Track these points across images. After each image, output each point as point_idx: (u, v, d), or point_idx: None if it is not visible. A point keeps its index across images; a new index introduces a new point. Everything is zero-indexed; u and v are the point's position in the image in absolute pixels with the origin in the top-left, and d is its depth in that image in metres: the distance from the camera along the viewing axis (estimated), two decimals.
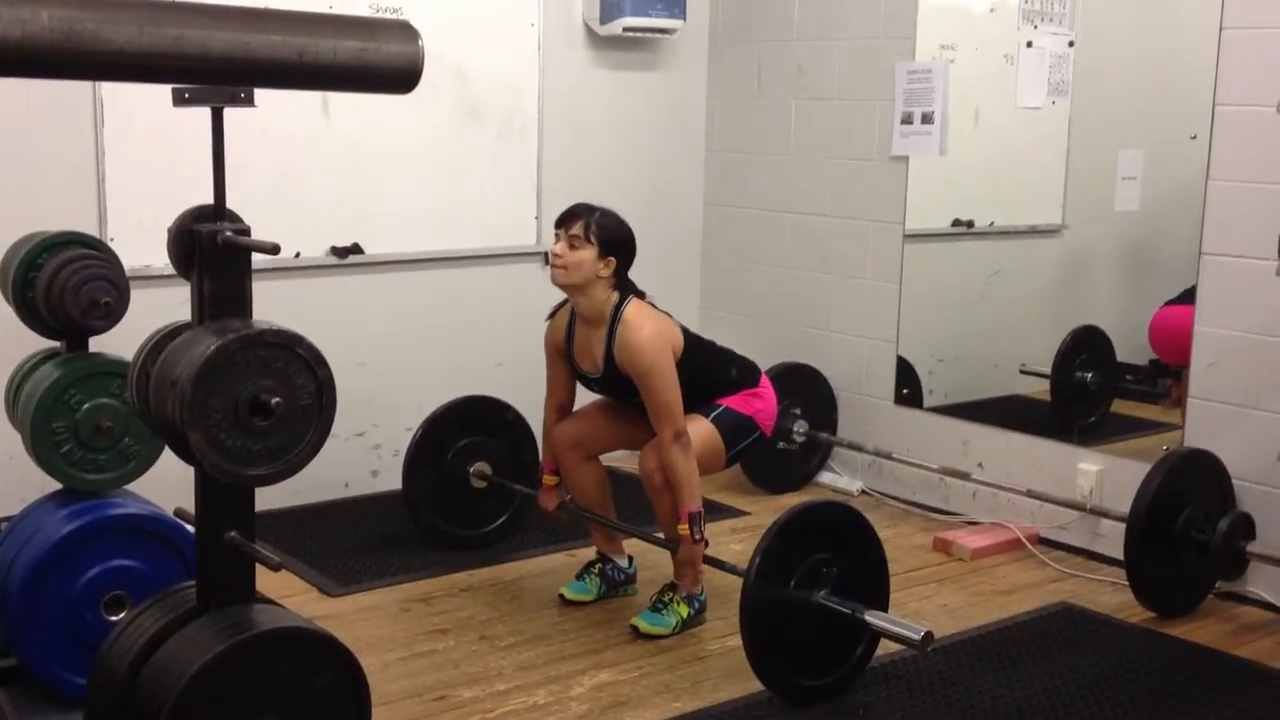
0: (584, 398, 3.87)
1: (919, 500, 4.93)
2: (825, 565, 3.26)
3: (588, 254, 3.55)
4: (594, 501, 3.87)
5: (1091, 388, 4.89)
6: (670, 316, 3.68)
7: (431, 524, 4.24)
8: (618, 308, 3.58)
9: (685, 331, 3.69)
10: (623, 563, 3.95)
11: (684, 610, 3.67)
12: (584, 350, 3.70)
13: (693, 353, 3.66)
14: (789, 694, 3.23)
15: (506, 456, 4.31)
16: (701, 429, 3.63)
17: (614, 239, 3.59)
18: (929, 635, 3.17)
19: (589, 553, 4.02)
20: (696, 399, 3.65)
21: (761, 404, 3.78)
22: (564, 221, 3.61)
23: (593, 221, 3.56)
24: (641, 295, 3.65)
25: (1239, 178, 3.93)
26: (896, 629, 3.22)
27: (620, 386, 3.64)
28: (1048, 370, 4.91)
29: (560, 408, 3.84)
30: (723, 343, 3.91)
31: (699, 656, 3.54)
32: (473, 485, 4.26)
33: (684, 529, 3.54)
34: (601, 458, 3.90)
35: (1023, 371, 5.06)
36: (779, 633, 3.21)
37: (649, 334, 3.54)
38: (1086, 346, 4.92)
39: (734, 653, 3.55)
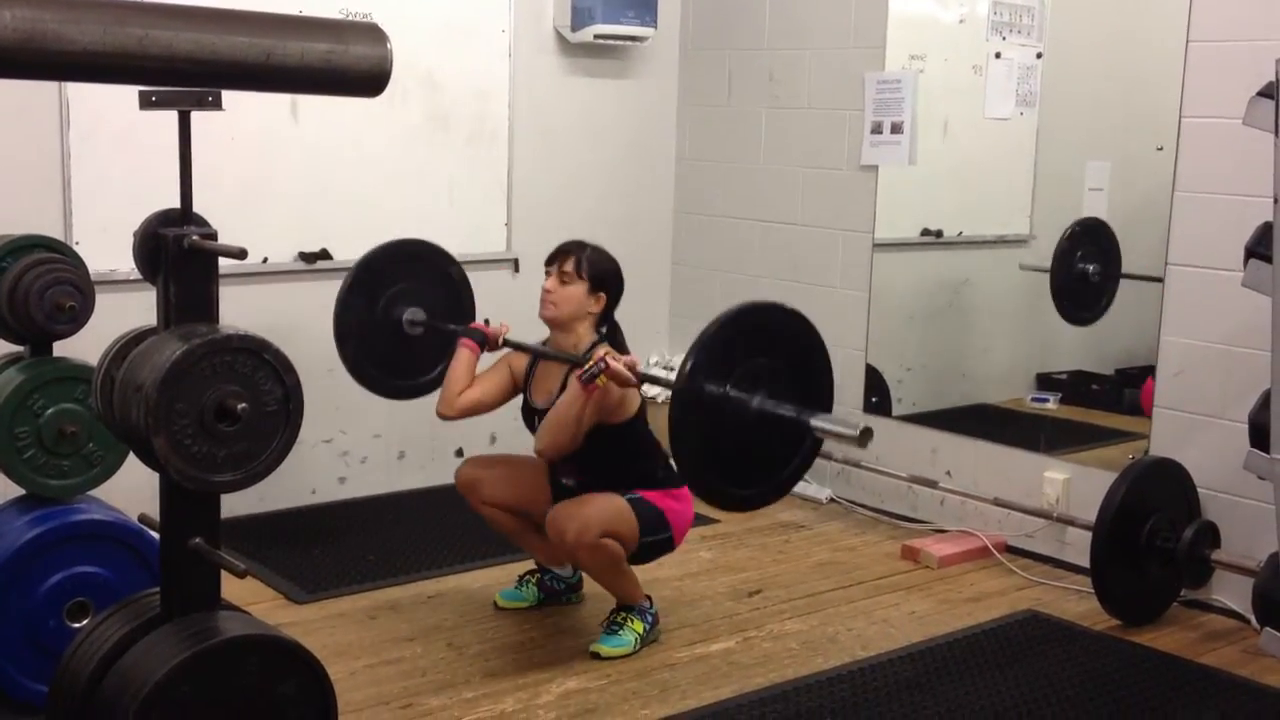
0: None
1: (887, 508, 4.94)
2: (766, 370, 3.06)
3: (578, 290, 3.58)
4: (520, 532, 3.81)
5: (1093, 279, 4.78)
6: None
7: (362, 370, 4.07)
8: (592, 346, 3.56)
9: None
10: (564, 572, 3.92)
11: (639, 626, 3.63)
12: (541, 382, 3.68)
13: (639, 423, 3.63)
14: (723, 503, 3.15)
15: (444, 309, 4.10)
16: (616, 503, 3.49)
17: (605, 275, 3.62)
18: (867, 430, 3.01)
19: None
20: (617, 479, 3.56)
21: (679, 506, 3.59)
22: (555, 258, 3.63)
23: (584, 258, 3.59)
24: (617, 344, 3.64)
25: (1205, 189, 3.96)
26: (837, 428, 3.04)
27: None
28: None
29: (473, 395, 3.71)
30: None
31: (667, 664, 3.53)
32: (407, 333, 4.04)
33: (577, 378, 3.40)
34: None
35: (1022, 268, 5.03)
36: (714, 437, 3.02)
37: None
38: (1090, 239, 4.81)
39: (702, 660, 3.56)
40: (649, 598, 3.70)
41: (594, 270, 3.60)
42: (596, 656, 3.56)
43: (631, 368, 3.41)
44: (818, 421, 3.03)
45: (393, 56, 2.41)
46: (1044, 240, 5.10)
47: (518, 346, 3.77)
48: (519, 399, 3.78)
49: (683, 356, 2.99)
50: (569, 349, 3.61)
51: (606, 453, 3.56)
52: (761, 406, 3.01)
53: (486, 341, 3.78)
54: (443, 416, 3.76)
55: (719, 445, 3.03)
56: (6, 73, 2.07)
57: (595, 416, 3.46)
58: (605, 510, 3.47)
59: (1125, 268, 4.71)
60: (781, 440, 3.08)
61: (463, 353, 3.76)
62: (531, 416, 3.70)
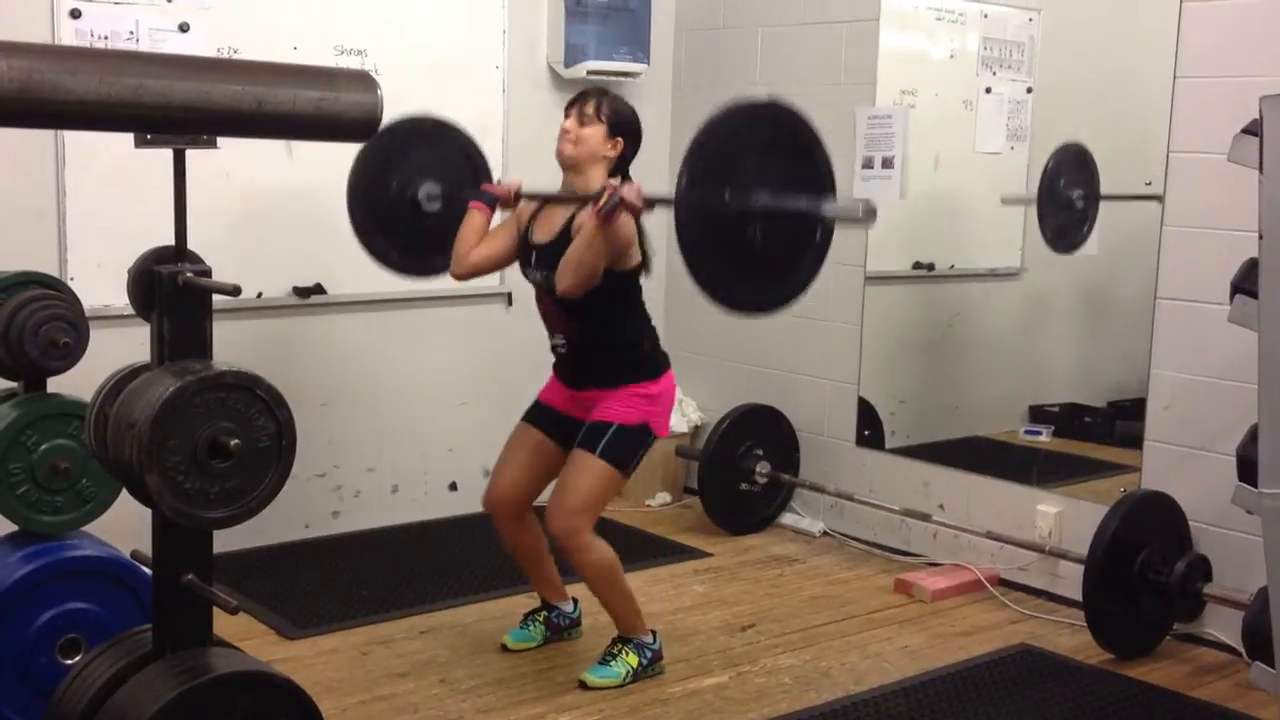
0: (495, 451, 3.84)
1: (880, 541, 4.94)
2: (764, 168, 3.08)
3: (597, 131, 3.56)
4: (533, 556, 3.83)
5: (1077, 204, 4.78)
6: None
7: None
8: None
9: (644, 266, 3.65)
10: (567, 607, 3.91)
11: (634, 660, 3.61)
12: (545, 221, 3.63)
13: (637, 280, 3.60)
14: (744, 309, 3.23)
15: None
16: (595, 470, 3.52)
17: (624, 122, 3.61)
18: (870, 209, 3.04)
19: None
20: (607, 344, 3.60)
21: (655, 408, 3.63)
22: (576, 101, 3.62)
23: (604, 102, 3.59)
24: None
25: (1193, 224, 3.99)
26: (841, 211, 3.13)
27: (557, 261, 3.50)
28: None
29: (482, 251, 3.71)
30: (687, 383, 3.88)
31: (660, 699, 3.53)
32: (427, 210, 4.01)
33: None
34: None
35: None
36: (724, 245, 3.06)
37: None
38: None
39: (696, 695, 3.55)
40: (654, 632, 3.70)
41: (613, 115, 3.59)
42: (583, 685, 3.56)
43: (638, 193, 3.35)
44: (823, 207, 3.06)
45: (384, 104, 2.43)
46: (1035, 273, 5.13)
47: (531, 196, 3.75)
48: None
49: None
50: (580, 190, 3.56)
51: (602, 307, 3.52)
52: (765, 204, 3.03)
53: (498, 201, 3.76)
54: (455, 276, 3.78)
55: (730, 253, 3.05)
56: (3, 122, 2.09)
57: (609, 254, 3.42)
58: (582, 487, 3.50)
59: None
60: (792, 235, 3.11)
61: (472, 214, 3.74)
62: (529, 254, 3.65)
